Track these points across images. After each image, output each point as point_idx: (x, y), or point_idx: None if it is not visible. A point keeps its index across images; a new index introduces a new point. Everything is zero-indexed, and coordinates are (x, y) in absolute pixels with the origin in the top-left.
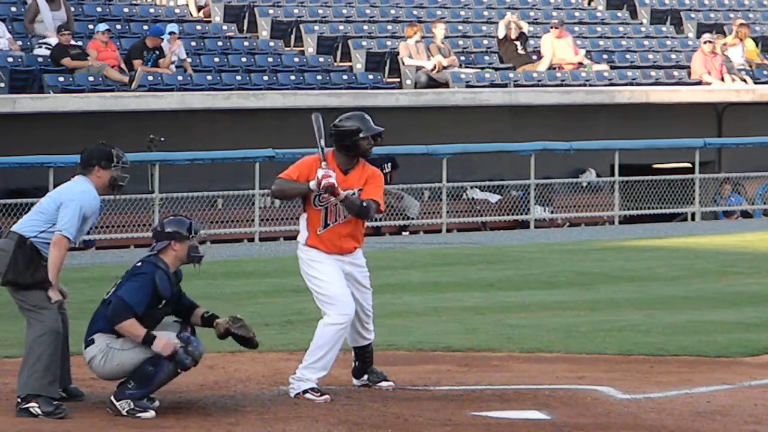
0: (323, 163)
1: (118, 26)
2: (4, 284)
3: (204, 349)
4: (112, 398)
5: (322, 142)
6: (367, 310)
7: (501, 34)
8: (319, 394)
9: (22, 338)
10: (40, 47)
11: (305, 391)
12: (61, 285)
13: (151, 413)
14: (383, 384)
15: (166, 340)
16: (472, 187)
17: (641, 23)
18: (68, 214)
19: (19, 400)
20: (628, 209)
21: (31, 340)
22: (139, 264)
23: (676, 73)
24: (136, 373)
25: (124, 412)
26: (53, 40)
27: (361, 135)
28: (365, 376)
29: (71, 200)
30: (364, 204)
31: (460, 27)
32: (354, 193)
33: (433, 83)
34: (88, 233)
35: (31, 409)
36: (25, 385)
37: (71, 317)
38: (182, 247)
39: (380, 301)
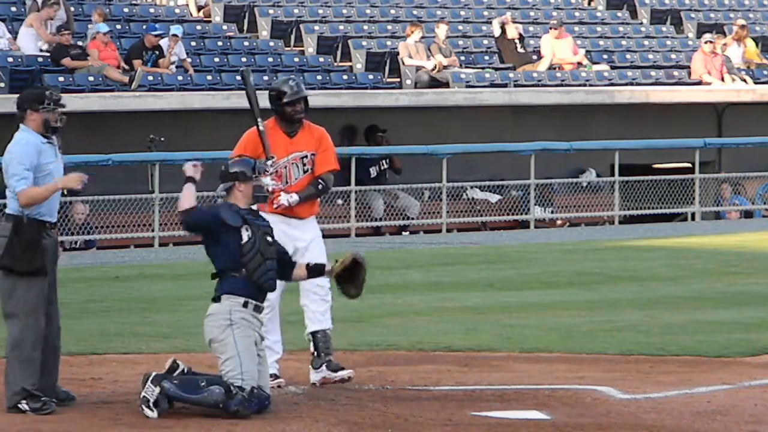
0: (268, 167)
1: (118, 26)
2: None
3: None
4: (155, 375)
5: (258, 112)
6: (321, 285)
7: (497, 33)
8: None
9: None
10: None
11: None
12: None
13: (155, 413)
14: (342, 373)
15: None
16: (472, 187)
17: (641, 23)
18: (10, 175)
19: (7, 402)
20: (628, 209)
21: (11, 342)
22: None
23: (676, 73)
24: (187, 377)
25: (146, 394)
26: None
27: (284, 100)
28: (322, 369)
29: (5, 161)
30: (320, 187)
31: (460, 27)
32: (305, 162)
33: (433, 83)
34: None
35: (19, 406)
36: (13, 382)
37: (70, 317)
38: (247, 187)
39: (380, 301)
